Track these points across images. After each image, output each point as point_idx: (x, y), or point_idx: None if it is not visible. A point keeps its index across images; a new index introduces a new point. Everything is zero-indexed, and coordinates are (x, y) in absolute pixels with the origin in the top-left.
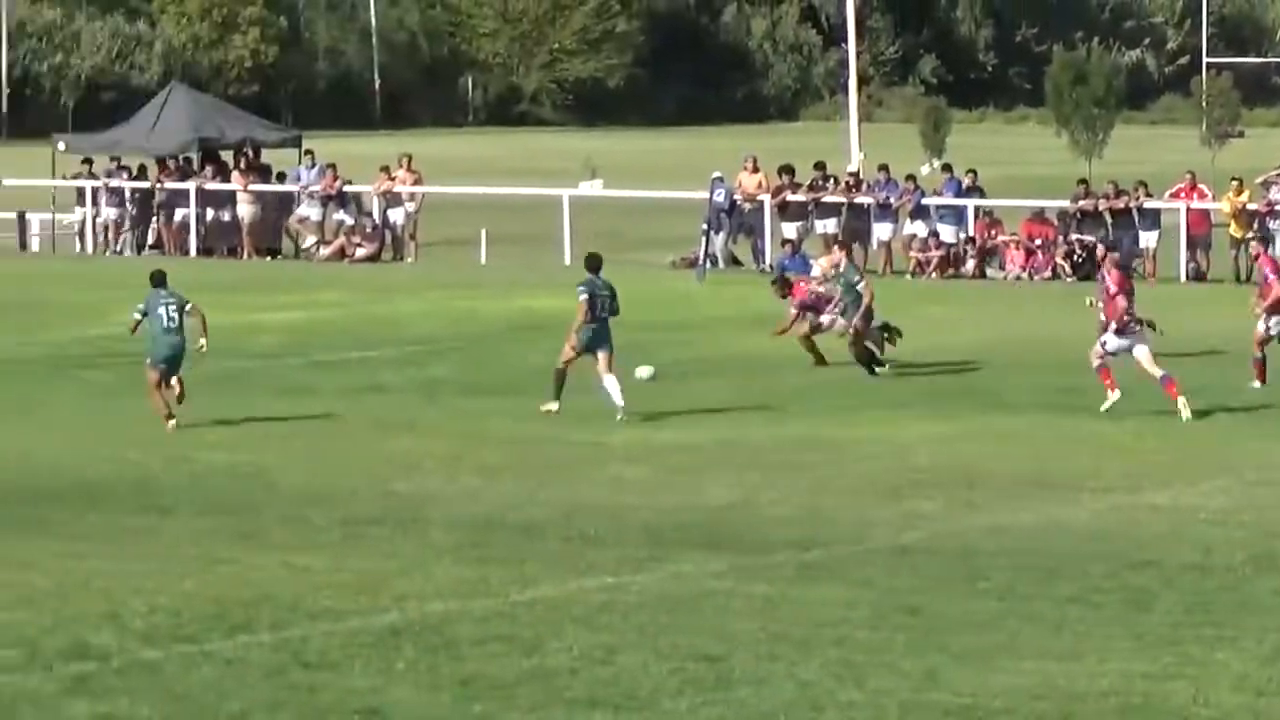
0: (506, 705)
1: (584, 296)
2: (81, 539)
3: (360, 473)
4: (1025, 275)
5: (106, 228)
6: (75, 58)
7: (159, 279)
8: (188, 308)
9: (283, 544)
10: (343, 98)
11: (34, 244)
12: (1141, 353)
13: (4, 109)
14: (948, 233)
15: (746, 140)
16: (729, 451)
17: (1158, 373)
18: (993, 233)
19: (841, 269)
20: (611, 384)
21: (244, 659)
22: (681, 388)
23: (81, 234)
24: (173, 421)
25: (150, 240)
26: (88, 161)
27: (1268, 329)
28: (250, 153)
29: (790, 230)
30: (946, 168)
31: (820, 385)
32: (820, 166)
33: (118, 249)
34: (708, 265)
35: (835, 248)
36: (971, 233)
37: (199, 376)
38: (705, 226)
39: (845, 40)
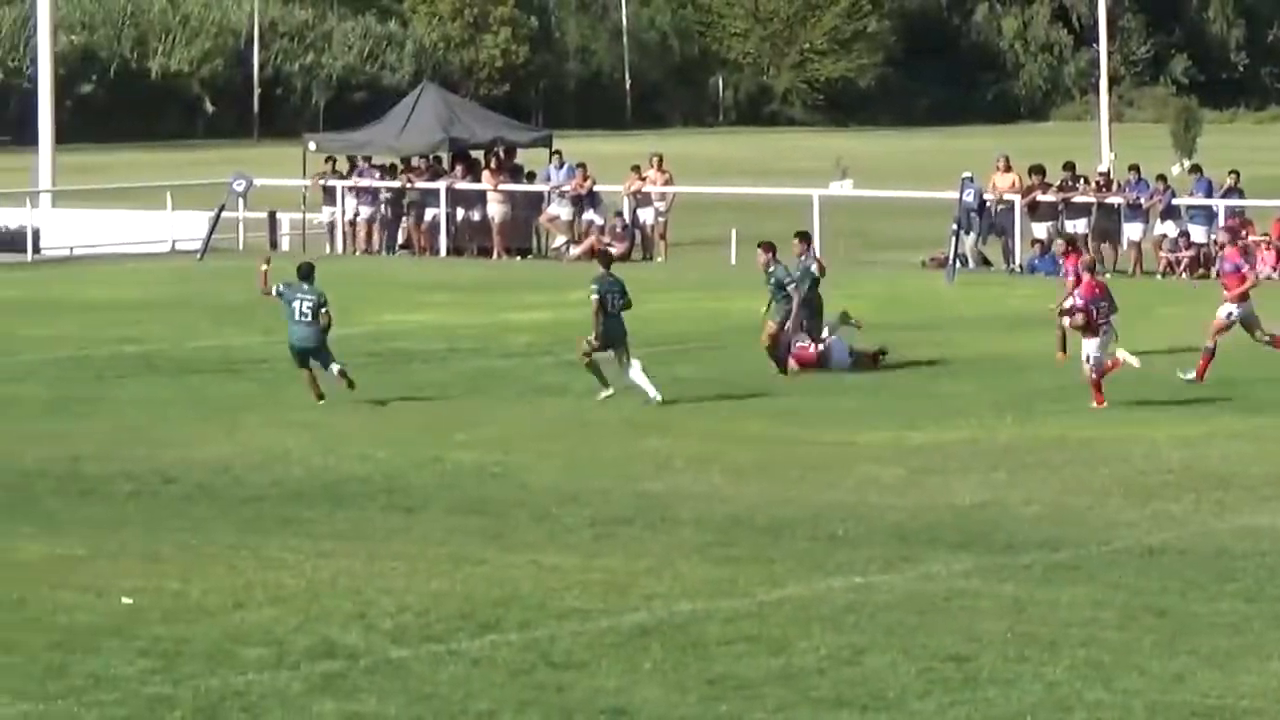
0: (753, 705)
1: (596, 296)
2: (330, 538)
3: (610, 472)
4: (1276, 275)
5: (354, 226)
6: (327, 58)
7: (305, 272)
8: (322, 310)
9: (532, 543)
10: (593, 97)
11: (284, 243)
12: None
13: (255, 109)
14: (1198, 233)
15: (997, 140)
16: (978, 452)
17: None
18: (1244, 233)
19: (771, 269)
20: (638, 375)
21: (491, 658)
22: (931, 388)
23: (331, 233)
24: (321, 401)
25: (400, 240)
26: (330, 160)
27: (1229, 316)
28: (501, 153)
29: (1040, 230)
30: (1195, 169)
31: (1070, 386)
32: (1070, 167)
33: (369, 248)
34: (957, 265)
35: (760, 249)
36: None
37: (451, 376)
38: (955, 226)
39: (1096, 40)
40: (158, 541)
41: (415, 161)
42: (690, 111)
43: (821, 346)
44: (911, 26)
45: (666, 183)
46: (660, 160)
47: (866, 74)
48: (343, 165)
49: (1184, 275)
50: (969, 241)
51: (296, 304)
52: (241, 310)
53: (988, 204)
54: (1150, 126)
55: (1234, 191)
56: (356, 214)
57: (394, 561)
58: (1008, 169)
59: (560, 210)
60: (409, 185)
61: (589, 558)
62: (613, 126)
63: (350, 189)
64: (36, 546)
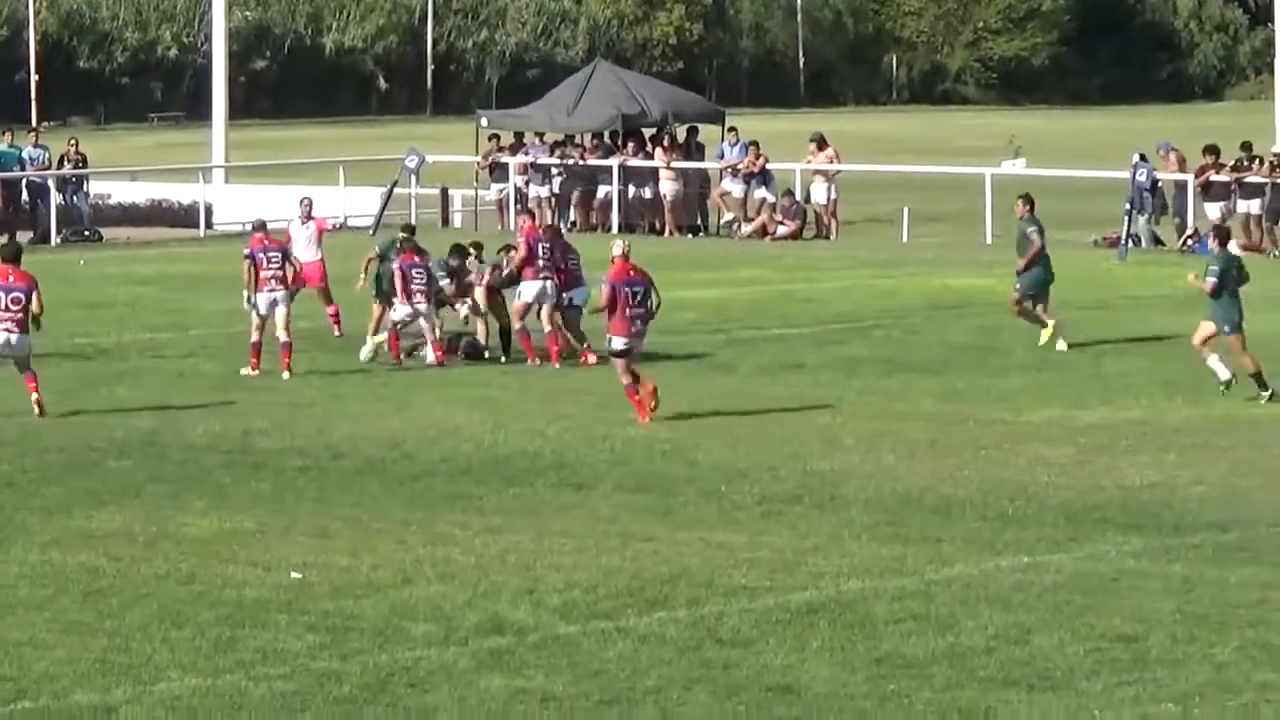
0: (920, 684)
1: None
2: (500, 514)
3: (779, 450)
4: None
5: (524, 200)
6: (500, 34)
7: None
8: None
9: (700, 521)
10: (766, 75)
11: (456, 220)
12: None
13: (429, 85)
14: None
15: (1171, 120)
16: (1147, 432)
17: None
18: None
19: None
20: None
21: (659, 635)
22: (1100, 367)
23: (501, 210)
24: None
25: (572, 216)
26: (494, 138)
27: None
28: (673, 130)
29: (1214, 211)
30: None
31: (1239, 369)
32: (1246, 147)
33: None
34: (1129, 245)
35: (1019, 201)
36: None
37: None
38: (1128, 206)
39: (1271, 20)
40: (327, 517)
41: (584, 139)
42: (863, 90)
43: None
44: (1085, 5)
45: (837, 161)
46: (821, 140)
47: (1040, 53)
48: (507, 141)
49: None
50: (1141, 221)
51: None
52: None
53: (1159, 184)
54: None
55: None
56: (527, 190)
57: (563, 538)
58: (1179, 160)
59: (732, 188)
60: (581, 162)
61: (757, 535)
62: (786, 104)
63: (521, 166)
64: (206, 521)
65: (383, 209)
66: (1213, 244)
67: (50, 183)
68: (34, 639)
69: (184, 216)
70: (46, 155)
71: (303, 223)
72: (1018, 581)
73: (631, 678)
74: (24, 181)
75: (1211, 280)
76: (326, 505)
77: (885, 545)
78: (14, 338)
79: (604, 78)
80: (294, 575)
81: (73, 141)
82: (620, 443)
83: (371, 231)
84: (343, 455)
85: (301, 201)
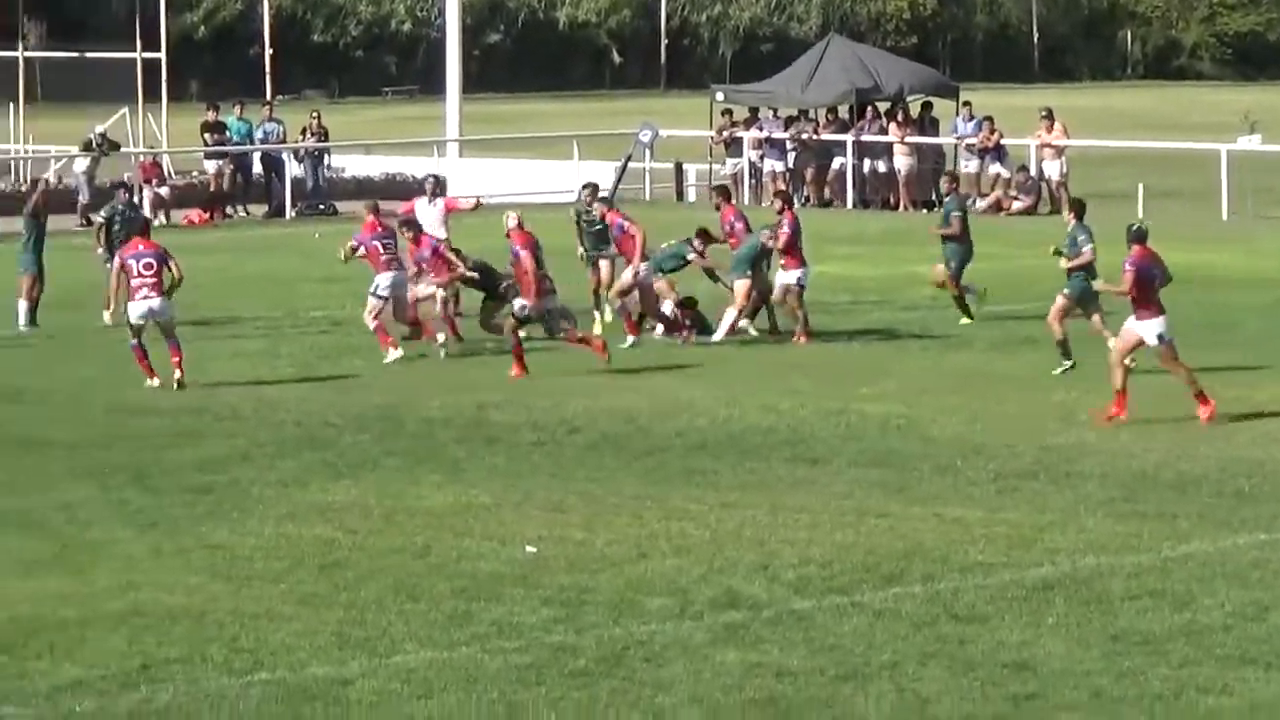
0: (1156, 660)
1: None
2: (734, 489)
3: (1015, 426)
4: None
5: (758, 175)
6: (734, 9)
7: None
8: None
9: (935, 496)
10: (1000, 50)
11: (690, 195)
12: None
13: (663, 59)
14: None
15: None
16: None
17: None
18: None
19: None
20: None
21: (895, 610)
22: None
23: (736, 184)
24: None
25: (805, 192)
26: (728, 113)
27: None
28: (906, 105)
29: None
30: None
31: None
32: None
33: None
34: None
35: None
36: None
37: (855, 328)
38: None
39: None
40: (562, 491)
41: (819, 114)
42: (1098, 65)
43: None
44: None
45: (1070, 136)
46: (1050, 113)
47: (1277, 28)
48: (741, 116)
49: None
50: None
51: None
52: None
53: None
54: None
55: None
56: (761, 165)
57: (797, 513)
58: None
59: (967, 164)
60: (814, 137)
61: (992, 511)
62: (1019, 79)
63: (755, 141)
64: (442, 494)
65: (617, 183)
66: None
67: (285, 156)
68: (270, 611)
69: (417, 190)
70: (281, 129)
71: (430, 201)
72: (1255, 559)
73: (866, 653)
74: (257, 155)
75: None
76: (561, 480)
77: (1121, 521)
78: (155, 303)
79: (838, 52)
80: (529, 549)
81: (315, 114)
82: (854, 417)
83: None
84: (577, 429)
85: (428, 179)
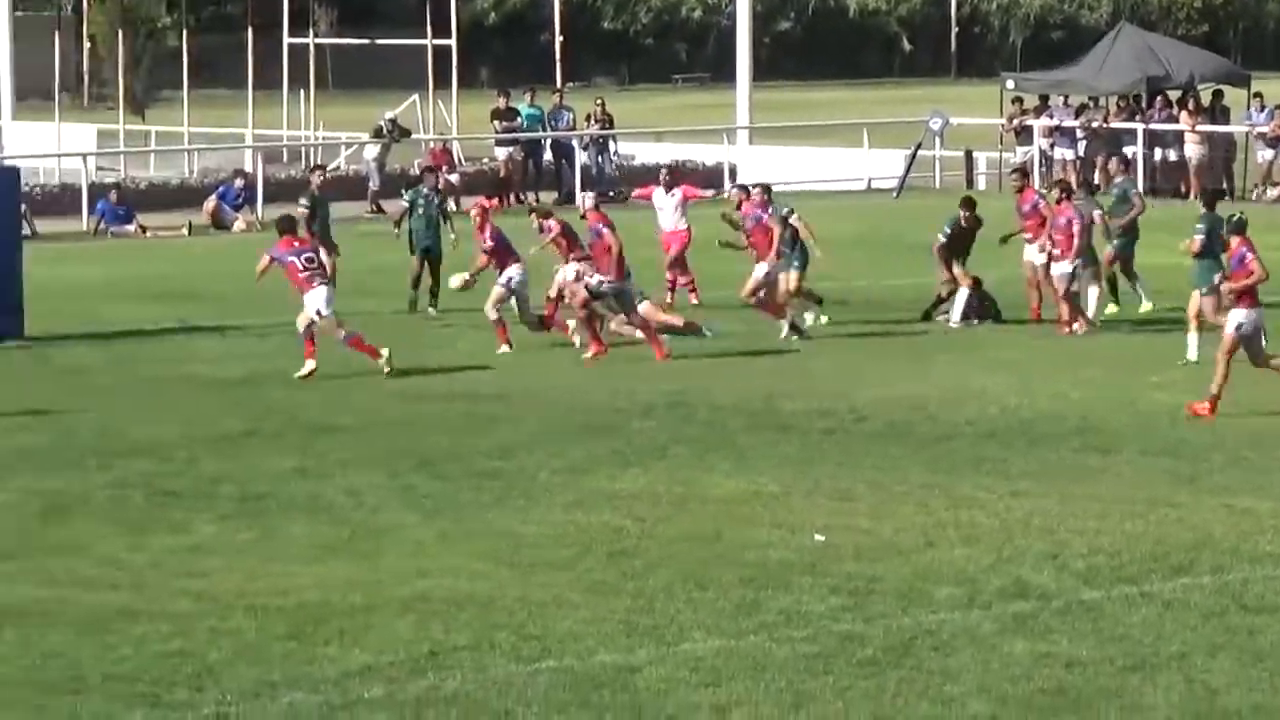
0: None
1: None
2: (1024, 478)
3: None
4: None
5: (1049, 163)
6: None
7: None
8: None
9: (1225, 487)
10: None
11: (980, 183)
12: None
13: (953, 47)
14: None
15: None
16: None
17: None
18: None
19: None
20: None
21: (1183, 601)
22: None
23: (1025, 173)
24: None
25: (1096, 180)
26: (1018, 101)
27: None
28: (1197, 94)
29: None
30: None
31: None
32: None
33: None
34: None
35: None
36: None
37: (1142, 315)
38: None
39: None
40: (850, 479)
41: (1109, 102)
42: None
43: None
44: None
45: None
46: None
47: None
48: (1031, 104)
49: None
50: None
51: None
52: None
53: None
54: None
55: None
56: (1052, 154)
57: (1087, 503)
58: None
59: (1262, 153)
60: (1105, 125)
61: None
62: None
63: (1046, 129)
64: (731, 483)
65: (906, 171)
66: None
67: (575, 143)
68: (558, 598)
69: (707, 177)
70: (571, 116)
71: (666, 191)
72: None
73: (1155, 643)
74: (549, 141)
75: None
76: (849, 468)
77: None
78: (327, 290)
79: (1129, 40)
80: (817, 537)
81: (599, 102)
82: (1144, 406)
83: (895, 195)
84: (866, 418)
85: (663, 170)
